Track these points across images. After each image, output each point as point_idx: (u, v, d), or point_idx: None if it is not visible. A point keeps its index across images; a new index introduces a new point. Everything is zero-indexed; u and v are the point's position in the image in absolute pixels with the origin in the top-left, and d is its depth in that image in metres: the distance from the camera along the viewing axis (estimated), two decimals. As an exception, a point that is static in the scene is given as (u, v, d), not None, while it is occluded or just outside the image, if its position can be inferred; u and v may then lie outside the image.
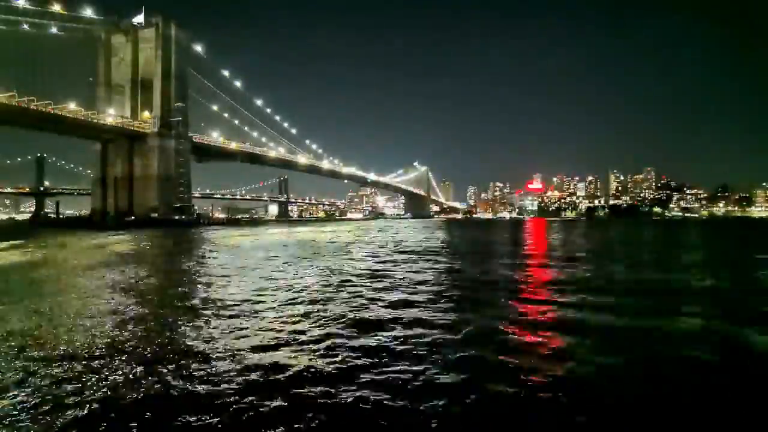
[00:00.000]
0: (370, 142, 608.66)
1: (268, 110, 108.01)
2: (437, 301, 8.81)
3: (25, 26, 69.67)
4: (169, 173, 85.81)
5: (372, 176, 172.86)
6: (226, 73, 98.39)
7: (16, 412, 3.85)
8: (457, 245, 27.52)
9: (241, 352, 5.51)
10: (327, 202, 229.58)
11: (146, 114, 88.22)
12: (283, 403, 4.03)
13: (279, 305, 8.46)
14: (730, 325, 7.01)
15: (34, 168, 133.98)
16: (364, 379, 4.58)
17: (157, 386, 4.43)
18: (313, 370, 4.85)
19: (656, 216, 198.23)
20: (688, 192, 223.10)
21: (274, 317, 7.46)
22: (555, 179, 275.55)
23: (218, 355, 5.40)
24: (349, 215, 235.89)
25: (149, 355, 5.43)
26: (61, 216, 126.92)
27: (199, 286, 10.99)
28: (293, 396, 4.19)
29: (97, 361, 5.14)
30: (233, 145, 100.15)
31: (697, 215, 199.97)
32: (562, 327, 6.75)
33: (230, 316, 7.48)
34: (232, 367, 4.95)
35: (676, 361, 5.31)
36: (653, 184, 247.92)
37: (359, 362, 5.15)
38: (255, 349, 5.66)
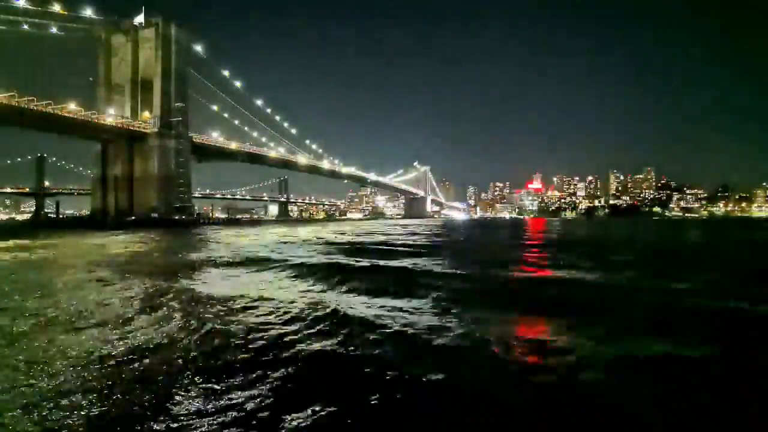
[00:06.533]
0: (370, 142, 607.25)
1: (268, 110, 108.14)
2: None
3: (25, 26, 69.74)
4: (169, 173, 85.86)
5: (372, 176, 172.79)
6: (226, 73, 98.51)
7: (15, 410, 3.87)
8: (452, 246, 27.53)
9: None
10: (327, 202, 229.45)
11: (146, 114, 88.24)
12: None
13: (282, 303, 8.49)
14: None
15: (34, 168, 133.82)
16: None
17: (157, 388, 4.46)
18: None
19: (656, 216, 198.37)
20: (688, 192, 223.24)
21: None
22: (555, 179, 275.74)
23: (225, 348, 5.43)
24: (349, 215, 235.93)
25: (152, 355, 5.45)
26: (61, 216, 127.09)
27: (202, 284, 11.00)
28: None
29: (98, 360, 5.17)
30: (233, 145, 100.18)
31: (697, 215, 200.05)
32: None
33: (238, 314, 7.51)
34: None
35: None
36: (653, 184, 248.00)
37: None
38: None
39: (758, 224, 77.87)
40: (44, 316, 7.39)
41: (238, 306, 8.07)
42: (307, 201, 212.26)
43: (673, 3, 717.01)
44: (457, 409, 3.91)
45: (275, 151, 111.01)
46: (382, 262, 15.11)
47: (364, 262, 14.90)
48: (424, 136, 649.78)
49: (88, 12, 79.95)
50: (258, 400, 3.99)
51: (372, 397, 3.98)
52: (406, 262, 15.44)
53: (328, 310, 7.34)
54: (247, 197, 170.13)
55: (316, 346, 5.56)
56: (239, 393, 4.13)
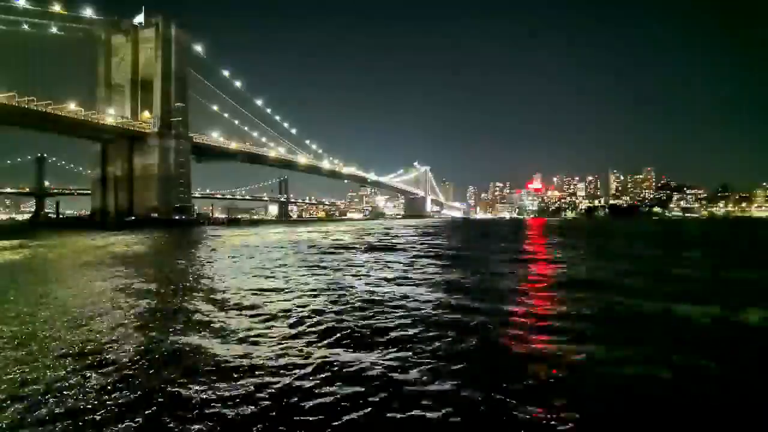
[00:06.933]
0: (370, 142, 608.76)
1: (268, 110, 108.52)
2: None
3: (25, 26, 69.91)
4: (169, 173, 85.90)
5: (372, 176, 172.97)
6: (226, 73, 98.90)
7: (15, 411, 3.86)
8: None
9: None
10: (327, 202, 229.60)
11: (146, 114, 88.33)
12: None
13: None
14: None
15: (34, 168, 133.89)
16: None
17: (157, 389, 4.44)
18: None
19: (656, 216, 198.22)
20: (688, 192, 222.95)
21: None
22: (555, 179, 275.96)
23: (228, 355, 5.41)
24: (349, 215, 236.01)
25: (150, 357, 5.44)
26: (61, 216, 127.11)
27: (202, 285, 10.99)
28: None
29: (97, 362, 5.15)
30: (233, 145, 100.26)
31: (697, 215, 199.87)
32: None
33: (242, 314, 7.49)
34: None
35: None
36: (653, 184, 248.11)
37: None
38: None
39: (760, 224, 77.72)
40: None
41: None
42: (307, 201, 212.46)
43: (674, 3, 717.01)
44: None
45: (275, 151, 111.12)
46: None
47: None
48: (424, 136, 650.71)
49: (88, 12, 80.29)
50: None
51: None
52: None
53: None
54: (247, 197, 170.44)
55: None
56: None
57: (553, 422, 3.60)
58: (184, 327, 6.74)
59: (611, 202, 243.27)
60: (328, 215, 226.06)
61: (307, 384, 4.41)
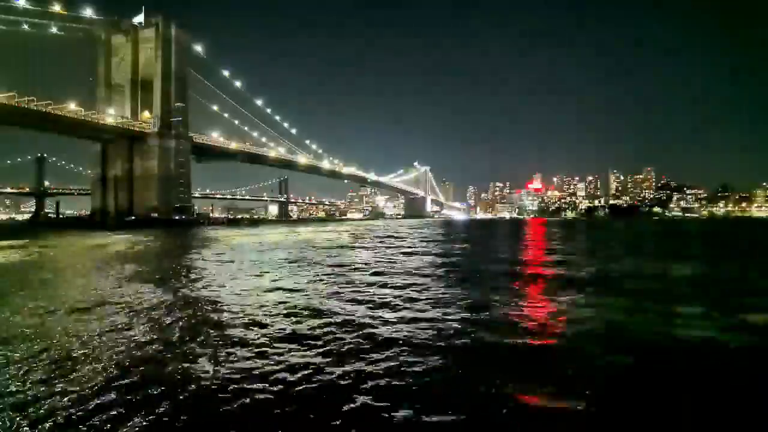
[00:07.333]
0: (370, 142, 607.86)
1: (268, 110, 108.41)
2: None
3: (25, 26, 69.86)
4: (169, 173, 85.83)
5: (372, 176, 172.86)
6: (226, 73, 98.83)
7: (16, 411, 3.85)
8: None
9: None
10: (327, 202, 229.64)
11: (146, 114, 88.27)
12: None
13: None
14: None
15: (34, 168, 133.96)
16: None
17: (157, 392, 4.43)
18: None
19: (656, 216, 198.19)
20: (688, 192, 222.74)
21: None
22: (555, 179, 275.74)
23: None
24: (349, 215, 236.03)
25: (151, 359, 5.43)
26: (61, 216, 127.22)
27: (197, 284, 10.97)
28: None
29: (98, 362, 5.14)
30: (233, 145, 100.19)
31: (697, 215, 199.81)
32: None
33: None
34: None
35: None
36: (653, 184, 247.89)
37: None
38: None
39: (759, 224, 77.79)
40: None
41: None
42: (307, 201, 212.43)
43: (674, 3, 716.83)
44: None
45: (275, 151, 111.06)
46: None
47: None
48: (424, 136, 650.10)
49: (88, 12, 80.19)
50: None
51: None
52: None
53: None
54: (247, 197, 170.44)
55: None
56: None
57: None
58: (184, 327, 6.74)
59: (611, 202, 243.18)
60: (328, 215, 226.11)
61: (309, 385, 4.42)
